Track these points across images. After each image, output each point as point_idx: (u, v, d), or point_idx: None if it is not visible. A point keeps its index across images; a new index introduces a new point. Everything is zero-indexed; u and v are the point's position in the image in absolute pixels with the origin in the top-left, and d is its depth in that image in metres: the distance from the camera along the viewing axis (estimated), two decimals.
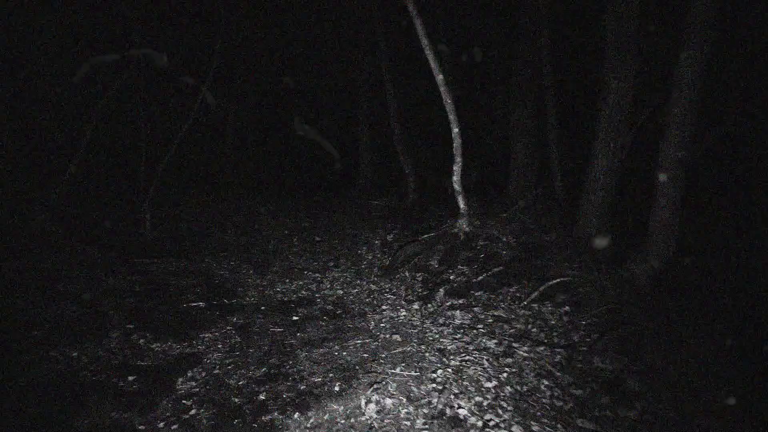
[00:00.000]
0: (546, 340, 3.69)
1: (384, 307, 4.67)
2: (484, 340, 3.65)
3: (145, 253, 6.38)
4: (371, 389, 2.85)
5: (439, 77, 5.52)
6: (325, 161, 12.77)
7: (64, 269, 4.71)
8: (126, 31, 7.59)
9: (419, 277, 5.48)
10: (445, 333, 3.86)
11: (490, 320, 4.10)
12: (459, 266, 5.36)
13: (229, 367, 3.23)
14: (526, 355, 3.42)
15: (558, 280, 4.47)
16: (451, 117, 5.64)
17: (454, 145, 5.70)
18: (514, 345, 3.57)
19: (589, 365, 3.33)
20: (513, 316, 4.13)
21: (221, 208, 9.12)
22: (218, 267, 6.19)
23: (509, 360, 3.29)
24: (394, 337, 3.77)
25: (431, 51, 5.49)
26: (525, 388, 2.96)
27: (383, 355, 3.39)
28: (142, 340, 3.56)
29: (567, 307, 4.15)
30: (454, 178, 5.77)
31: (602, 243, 5.02)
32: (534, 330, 3.88)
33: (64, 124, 6.90)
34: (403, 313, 4.42)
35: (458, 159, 5.71)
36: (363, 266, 6.34)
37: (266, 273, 6.00)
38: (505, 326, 3.95)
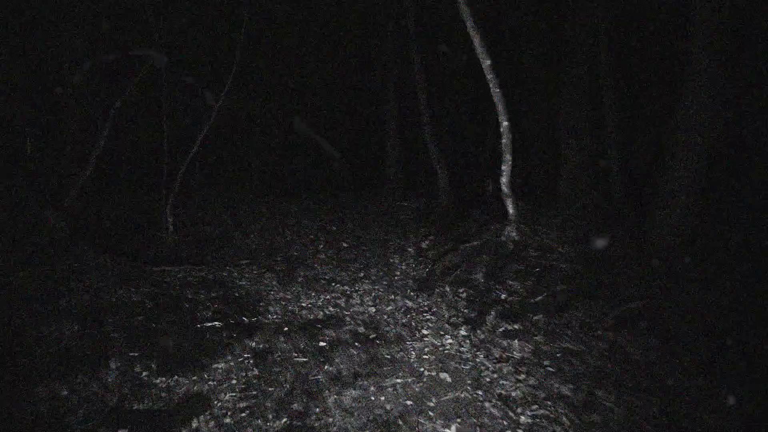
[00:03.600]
0: (633, 384, 2.92)
1: (424, 331, 4.01)
2: (556, 384, 2.93)
3: (163, 259, 5.97)
4: None
5: (487, 62, 4.79)
6: (348, 161, 12.21)
7: (72, 280, 4.29)
8: (147, 31, 7.22)
9: (462, 293, 4.78)
10: (505, 371, 3.15)
11: (558, 354, 3.36)
12: (509, 281, 4.62)
13: (243, 414, 2.65)
14: (613, 406, 2.68)
15: (637, 303, 3.68)
16: (500, 108, 4.90)
17: (503, 141, 4.95)
18: (597, 392, 2.83)
19: (697, 423, 2.55)
20: (585, 349, 3.38)
21: (245, 210, 8.70)
22: (239, 276, 5.69)
23: (596, 417, 2.56)
24: (442, 375, 3.10)
25: (477, 33, 4.76)
26: None
27: (431, 404, 2.72)
28: (145, 373, 3.03)
29: (652, 339, 3.37)
30: (503, 179, 5.03)
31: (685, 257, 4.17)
32: (615, 369, 3.12)
33: (80, 122, 6.57)
34: (449, 341, 3.74)
35: (507, 157, 4.97)
36: (396, 277, 5.69)
37: (290, 284, 5.45)
38: (578, 363, 3.21)
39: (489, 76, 4.84)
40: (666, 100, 5.58)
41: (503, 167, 5.02)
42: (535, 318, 3.94)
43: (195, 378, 3.07)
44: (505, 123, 4.93)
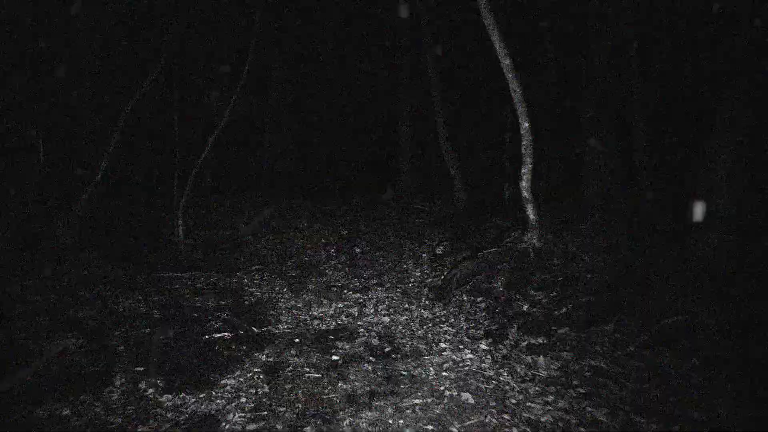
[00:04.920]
0: (677, 413, 2.67)
1: (443, 344, 3.80)
2: (589, 408, 2.69)
3: (173, 265, 5.87)
4: None
5: (506, 62, 4.57)
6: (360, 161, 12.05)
7: (80, 289, 4.20)
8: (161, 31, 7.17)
9: (480, 302, 4.56)
10: (531, 392, 2.93)
11: (588, 373, 3.12)
12: (531, 292, 4.38)
13: None
14: None
15: (674, 319, 3.42)
16: (520, 109, 4.67)
17: (523, 143, 4.72)
18: (635, 418, 2.59)
19: None
20: (619, 369, 3.13)
21: (256, 213, 8.59)
22: (250, 283, 5.57)
23: None
24: (464, 396, 2.89)
25: (496, 30, 4.54)
26: None
27: (454, 430, 2.52)
28: (150, 390, 2.89)
29: (695, 360, 3.10)
30: (523, 183, 4.80)
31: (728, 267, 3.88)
32: (654, 392, 2.87)
33: (90, 124, 6.53)
34: (469, 356, 3.52)
35: (528, 160, 4.74)
36: (410, 285, 5.49)
37: (301, 292, 5.29)
38: (611, 385, 2.96)
39: (509, 76, 4.61)
40: (702, 92, 5.25)
41: (523, 171, 4.78)
42: (561, 332, 3.69)
43: (202, 396, 2.91)
44: (526, 125, 4.69)
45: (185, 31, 7.44)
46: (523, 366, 3.30)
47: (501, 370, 3.25)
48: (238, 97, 7.13)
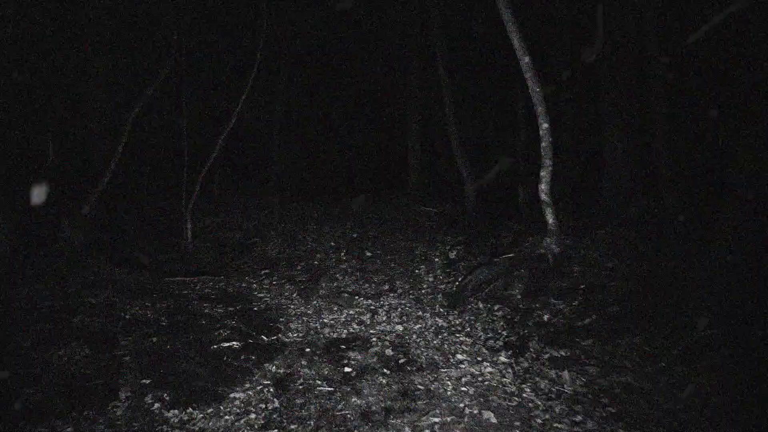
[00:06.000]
0: None
1: (459, 355, 3.63)
2: (621, 431, 2.51)
3: (181, 269, 5.78)
4: None
5: (525, 60, 4.38)
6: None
7: (86, 295, 4.10)
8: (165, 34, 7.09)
9: (498, 311, 4.38)
10: (557, 410, 2.75)
11: (617, 390, 2.93)
12: (551, 300, 4.19)
13: None
14: None
15: (708, 331, 3.21)
16: (539, 110, 4.48)
17: (543, 145, 4.53)
18: None
19: None
20: (650, 386, 2.94)
21: (265, 215, 8.49)
22: (258, 288, 5.45)
23: None
24: (485, 415, 2.72)
25: (515, 27, 4.36)
26: None
27: None
28: (156, 405, 2.77)
29: (731, 377, 2.89)
30: (542, 186, 4.61)
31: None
32: (690, 413, 2.67)
33: (98, 128, 6.47)
34: (489, 369, 3.35)
35: (547, 162, 4.55)
36: (423, 291, 5.33)
37: (311, 297, 5.16)
38: (643, 403, 2.78)
39: (527, 75, 4.42)
40: (726, 85, 5.01)
41: (542, 173, 4.59)
42: (585, 344, 3.51)
43: (210, 411, 2.78)
44: (545, 125, 4.50)
45: (194, 32, 7.36)
46: (546, 381, 3.12)
47: (524, 386, 3.08)
48: (247, 98, 7.03)
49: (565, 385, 3.05)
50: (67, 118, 6.86)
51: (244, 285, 5.50)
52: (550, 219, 4.65)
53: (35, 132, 6.26)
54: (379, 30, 10.96)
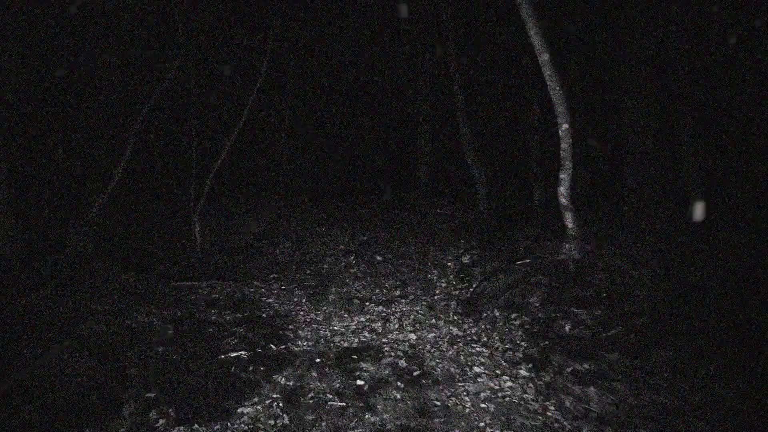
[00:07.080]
0: None
1: (477, 368, 3.45)
2: None
3: (189, 273, 5.69)
4: None
5: (545, 57, 4.19)
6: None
7: (92, 302, 4.01)
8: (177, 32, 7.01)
9: (515, 320, 4.19)
10: None
11: (650, 411, 2.73)
12: (573, 309, 3.99)
13: None
14: None
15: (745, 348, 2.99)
16: (560, 110, 4.28)
17: (563, 146, 4.33)
18: None
19: None
20: (685, 405, 2.74)
21: (274, 218, 8.40)
22: (267, 293, 5.33)
23: None
24: None
25: (534, 23, 4.17)
26: None
27: None
28: (162, 421, 2.64)
29: None
30: (561, 189, 4.41)
31: None
32: None
33: (105, 131, 6.41)
34: (509, 384, 3.17)
35: (567, 165, 4.35)
36: (436, 297, 5.16)
37: (321, 303, 5.03)
38: (681, 426, 2.58)
39: (547, 72, 4.23)
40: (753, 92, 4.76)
41: (562, 176, 4.39)
42: (611, 358, 3.31)
43: (217, 428, 2.65)
44: (566, 126, 4.30)
45: (202, 33, 7.28)
46: (571, 398, 2.93)
47: (547, 403, 2.89)
48: (256, 99, 6.92)
49: (591, 404, 2.86)
50: (75, 121, 6.83)
51: (252, 290, 5.39)
52: (570, 224, 4.45)
53: (44, 135, 6.22)
54: (390, 31, 10.81)
